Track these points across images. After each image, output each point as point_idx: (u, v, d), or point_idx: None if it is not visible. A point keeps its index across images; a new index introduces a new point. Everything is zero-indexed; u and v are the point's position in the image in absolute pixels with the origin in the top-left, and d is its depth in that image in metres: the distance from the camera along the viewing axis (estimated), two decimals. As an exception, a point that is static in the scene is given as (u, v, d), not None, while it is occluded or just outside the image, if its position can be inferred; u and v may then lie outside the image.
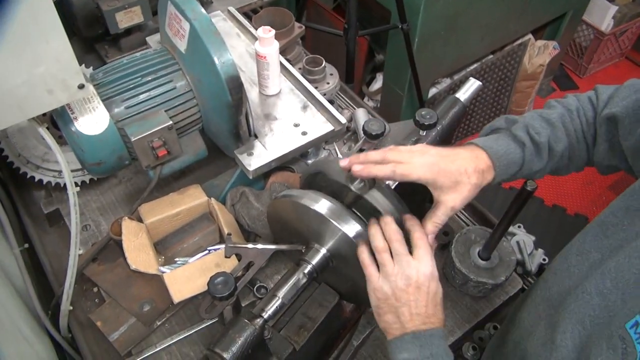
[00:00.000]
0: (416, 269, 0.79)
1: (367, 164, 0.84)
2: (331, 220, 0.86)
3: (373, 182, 0.89)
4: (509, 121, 0.93)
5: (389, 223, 0.84)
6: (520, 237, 1.23)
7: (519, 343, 0.87)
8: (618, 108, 0.84)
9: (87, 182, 1.32)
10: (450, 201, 0.83)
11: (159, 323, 1.11)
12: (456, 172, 0.82)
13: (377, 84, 2.73)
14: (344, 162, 0.86)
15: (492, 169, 0.86)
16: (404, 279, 0.79)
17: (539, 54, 2.78)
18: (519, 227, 1.26)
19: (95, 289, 1.16)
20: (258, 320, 0.85)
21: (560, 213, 2.70)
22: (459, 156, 0.85)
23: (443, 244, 1.22)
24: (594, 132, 0.90)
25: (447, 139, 1.10)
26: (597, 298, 0.72)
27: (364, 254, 0.84)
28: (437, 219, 0.84)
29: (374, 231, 0.84)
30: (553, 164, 0.91)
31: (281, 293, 0.89)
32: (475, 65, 2.64)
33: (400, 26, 2.01)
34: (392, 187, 0.94)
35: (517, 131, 0.89)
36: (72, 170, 1.25)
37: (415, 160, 0.83)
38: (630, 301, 0.67)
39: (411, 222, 0.85)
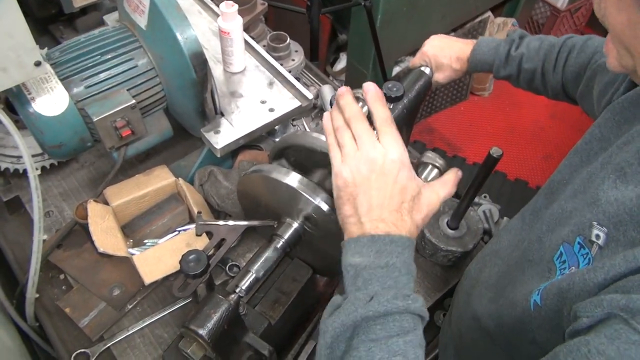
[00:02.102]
0: (382, 153, 0.68)
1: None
2: (303, 193, 0.86)
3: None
4: (523, 34, 1.12)
5: (349, 103, 0.73)
6: (487, 206, 1.26)
7: (466, 292, 0.93)
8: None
9: (48, 167, 1.27)
10: (440, 77, 1.14)
11: (130, 307, 1.09)
12: (448, 55, 1.13)
13: (341, 63, 2.73)
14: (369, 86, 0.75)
15: (467, 62, 1.13)
16: (368, 162, 0.68)
17: (499, 30, 2.83)
18: (485, 197, 1.30)
19: (62, 276, 1.13)
20: (233, 296, 0.85)
21: (523, 186, 2.78)
22: (456, 45, 1.14)
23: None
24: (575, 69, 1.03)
25: (413, 112, 1.12)
26: (536, 244, 0.77)
27: (329, 134, 0.73)
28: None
29: (335, 111, 0.74)
30: (525, 77, 1.10)
31: (255, 268, 0.89)
32: (437, 43, 2.66)
33: (362, 3, 2.00)
34: None
35: (512, 36, 1.11)
36: (32, 156, 1.21)
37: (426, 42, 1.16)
38: (556, 237, 0.72)
39: (372, 97, 0.73)
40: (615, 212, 0.63)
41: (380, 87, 0.97)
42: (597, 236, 0.64)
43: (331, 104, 1.06)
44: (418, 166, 0.83)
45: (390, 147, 0.69)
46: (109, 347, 1.03)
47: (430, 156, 0.82)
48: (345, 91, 0.74)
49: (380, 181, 0.67)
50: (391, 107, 1.02)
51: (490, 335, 0.82)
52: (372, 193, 0.67)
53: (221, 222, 0.97)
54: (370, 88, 0.73)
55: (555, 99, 1.12)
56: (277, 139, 1.31)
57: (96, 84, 1.02)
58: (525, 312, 0.70)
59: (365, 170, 0.68)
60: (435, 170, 0.83)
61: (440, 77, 1.14)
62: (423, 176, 0.83)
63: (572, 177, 0.80)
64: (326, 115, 0.76)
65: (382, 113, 0.71)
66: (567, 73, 1.04)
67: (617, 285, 0.55)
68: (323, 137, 0.86)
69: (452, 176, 0.76)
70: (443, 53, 1.12)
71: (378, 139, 0.70)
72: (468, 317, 0.89)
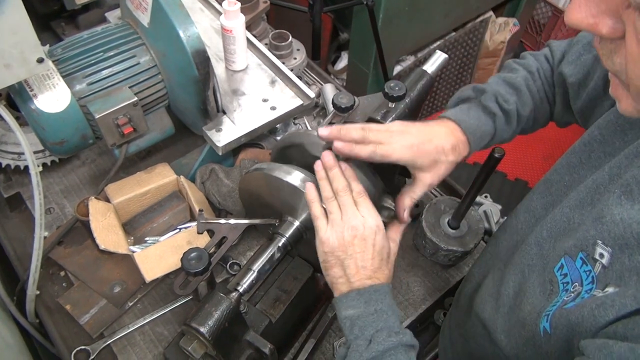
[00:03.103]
0: (362, 222, 0.80)
1: (347, 142, 0.84)
2: (304, 191, 0.86)
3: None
4: (476, 90, 0.94)
5: (337, 176, 0.84)
6: (487, 206, 1.26)
7: (470, 296, 0.93)
8: (569, 69, 0.88)
9: (49, 164, 1.27)
10: (428, 179, 0.86)
11: (130, 304, 1.09)
12: (434, 151, 0.84)
13: (342, 62, 2.72)
14: (324, 132, 0.85)
15: (466, 143, 0.88)
16: (350, 229, 0.79)
17: (500, 30, 2.83)
18: (486, 197, 1.30)
19: (63, 273, 1.13)
20: (234, 294, 0.85)
21: (523, 186, 2.78)
22: (436, 135, 0.86)
23: (413, 216, 1.24)
24: (554, 90, 0.95)
25: (415, 111, 1.11)
26: (535, 248, 0.78)
27: (314, 206, 0.84)
28: (413, 194, 0.88)
29: (323, 182, 0.84)
30: (521, 127, 0.95)
31: (256, 266, 0.89)
32: (438, 42, 2.66)
33: (365, 2, 2.00)
34: None
35: (487, 102, 0.91)
36: (33, 152, 1.21)
37: (394, 141, 0.83)
38: (558, 247, 0.72)
39: (348, 176, 0.85)
40: (621, 234, 0.62)
41: (382, 86, 0.98)
42: (601, 255, 0.64)
43: (333, 103, 1.06)
44: None
45: (367, 216, 0.81)
46: (109, 344, 1.03)
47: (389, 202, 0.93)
48: (333, 163, 0.85)
49: (362, 245, 0.79)
50: (393, 105, 1.02)
51: (502, 349, 0.83)
52: (357, 256, 0.79)
53: (222, 220, 0.97)
54: (339, 172, 0.85)
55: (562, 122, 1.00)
56: (278, 138, 1.31)
57: (98, 81, 1.02)
58: (536, 336, 0.71)
59: (349, 236, 0.79)
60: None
61: (434, 178, 0.86)
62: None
63: (573, 179, 0.79)
64: (310, 185, 0.86)
65: (357, 187, 0.83)
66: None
67: (624, 323, 0.57)
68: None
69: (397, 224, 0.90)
70: (425, 150, 0.84)
71: (357, 208, 0.81)
72: (474, 323, 0.89)
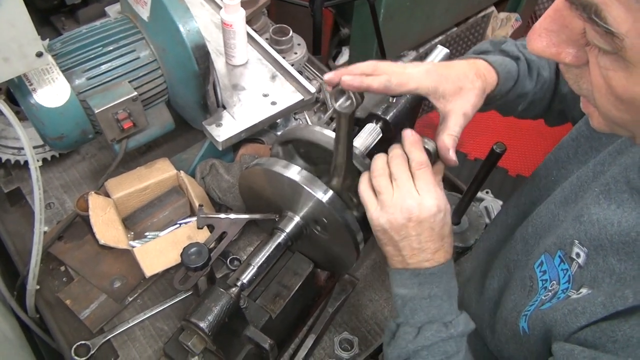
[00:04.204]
0: (417, 202, 0.69)
1: (357, 75, 0.72)
2: (304, 186, 0.85)
3: (360, 100, 0.72)
4: (494, 43, 0.88)
5: (395, 147, 0.74)
6: (488, 202, 1.26)
7: (460, 290, 0.93)
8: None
9: (49, 159, 1.27)
10: (460, 108, 0.74)
11: (130, 299, 1.09)
12: (456, 77, 0.74)
13: (343, 57, 2.71)
14: (329, 75, 0.73)
15: (492, 71, 0.79)
16: (404, 212, 0.69)
17: (502, 26, 2.82)
18: (487, 192, 1.29)
19: (63, 268, 1.13)
20: (234, 289, 0.85)
21: (524, 182, 2.78)
22: (455, 64, 0.77)
23: None
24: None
25: (416, 107, 1.11)
26: (520, 244, 0.78)
27: (363, 182, 0.76)
28: (451, 130, 0.75)
29: (376, 156, 0.75)
30: (534, 93, 0.87)
31: (256, 262, 0.89)
32: (440, 38, 2.66)
33: (366, -3, 1.99)
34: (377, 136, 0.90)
35: (508, 47, 0.84)
36: (33, 147, 1.20)
37: (410, 70, 0.74)
38: (541, 243, 0.72)
39: (410, 142, 0.74)
40: (596, 235, 0.62)
41: None
42: (578, 254, 0.65)
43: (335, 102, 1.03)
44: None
45: (425, 193, 0.70)
46: (109, 339, 1.03)
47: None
48: (410, 138, 0.75)
49: (418, 228, 0.70)
50: (394, 101, 1.02)
51: (487, 344, 0.83)
52: (412, 239, 0.70)
53: (222, 215, 0.97)
54: (408, 134, 0.75)
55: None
56: (279, 133, 1.31)
57: (98, 75, 1.02)
58: (517, 335, 0.72)
59: (402, 219, 0.70)
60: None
61: (466, 106, 0.75)
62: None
63: (560, 175, 0.79)
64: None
65: (418, 157, 0.73)
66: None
67: (592, 330, 0.58)
68: (326, 131, 0.86)
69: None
70: (445, 75, 0.75)
71: (414, 183, 0.71)
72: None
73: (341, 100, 0.72)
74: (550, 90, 0.90)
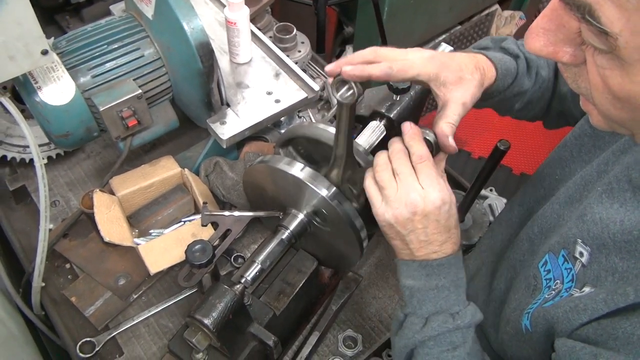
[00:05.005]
0: (421, 195, 0.70)
1: (358, 64, 0.73)
2: (308, 183, 0.85)
3: (362, 90, 0.73)
4: (495, 41, 0.89)
5: (394, 141, 0.75)
6: (492, 200, 1.25)
7: None
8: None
9: (54, 157, 1.28)
10: (459, 97, 0.74)
11: (135, 296, 1.09)
12: (458, 66, 0.75)
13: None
14: (329, 67, 0.73)
15: (492, 67, 0.80)
16: (409, 206, 0.70)
17: (506, 24, 2.81)
18: (491, 190, 1.29)
19: (68, 265, 1.14)
20: (238, 286, 0.85)
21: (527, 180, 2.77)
22: (456, 55, 0.78)
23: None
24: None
25: (420, 105, 1.11)
26: (526, 244, 0.78)
27: (368, 178, 0.76)
28: (449, 118, 0.74)
29: (378, 152, 0.76)
30: (532, 92, 0.88)
31: (260, 259, 0.89)
32: (444, 36, 2.65)
33: (369, -5, 1.99)
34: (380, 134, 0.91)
35: (509, 45, 0.85)
36: (38, 145, 1.21)
37: (411, 56, 0.74)
38: (546, 243, 0.72)
39: (410, 136, 0.74)
40: (599, 234, 0.63)
41: (385, 83, 0.96)
42: (581, 254, 0.65)
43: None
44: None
45: (429, 186, 0.70)
46: (114, 336, 1.04)
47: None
48: (397, 138, 0.75)
49: (424, 222, 0.70)
50: (398, 98, 1.02)
51: (490, 343, 0.83)
52: (419, 232, 0.71)
53: (227, 213, 0.97)
54: (407, 128, 0.76)
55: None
56: (282, 131, 1.31)
57: (102, 73, 1.02)
58: (519, 333, 0.72)
59: (407, 213, 0.70)
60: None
61: (466, 96, 0.75)
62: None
63: (564, 174, 0.79)
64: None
65: (419, 150, 0.73)
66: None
67: (594, 327, 0.58)
68: (329, 129, 0.86)
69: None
70: (447, 63, 0.76)
71: (417, 177, 0.71)
72: None
73: (342, 91, 0.72)
74: (549, 90, 0.90)
